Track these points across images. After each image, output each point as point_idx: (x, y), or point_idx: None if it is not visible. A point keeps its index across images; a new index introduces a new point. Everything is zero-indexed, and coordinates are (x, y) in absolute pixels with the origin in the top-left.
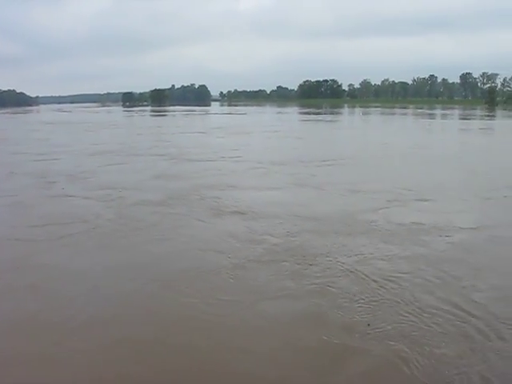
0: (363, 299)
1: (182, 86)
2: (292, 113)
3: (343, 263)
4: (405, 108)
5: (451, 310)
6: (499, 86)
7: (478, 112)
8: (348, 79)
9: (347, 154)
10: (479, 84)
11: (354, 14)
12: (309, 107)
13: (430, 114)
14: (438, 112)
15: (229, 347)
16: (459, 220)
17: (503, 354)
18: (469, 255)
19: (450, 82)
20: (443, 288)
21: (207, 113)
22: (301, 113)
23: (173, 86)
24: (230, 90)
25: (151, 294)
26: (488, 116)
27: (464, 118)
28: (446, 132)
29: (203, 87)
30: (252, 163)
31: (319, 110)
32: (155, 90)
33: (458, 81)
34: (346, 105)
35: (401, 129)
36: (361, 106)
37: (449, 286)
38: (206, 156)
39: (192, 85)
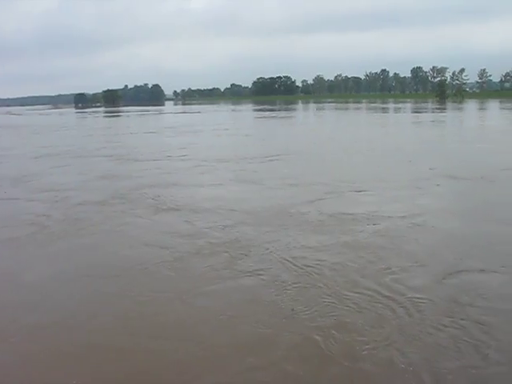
0: (290, 286)
1: (135, 85)
2: (246, 110)
3: (275, 253)
4: (358, 103)
5: (368, 291)
6: (449, 79)
7: (430, 105)
8: (302, 75)
9: (293, 149)
10: (430, 78)
11: (306, 10)
12: (263, 104)
13: (383, 108)
14: (391, 106)
15: (167, 336)
16: (389, 209)
17: (411, 330)
18: (390, 241)
19: (402, 76)
20: (363, 272)
21: (161, 112)
22: (255, 110)
23: (126, 86)
24: (183, 88)
25: (94, 291)
26: (439, 109)
27: (416, 111)
28: (395, 125)
29: (157, 87)
30: (197, 161)
31: (273, 107)
32: (108, 90)
33: (410, 75)
34: (300, 101)
35: (351, 123)
36: (315, 102)
37: (368, 269)
38: (152, 156)
39: (145, 84)
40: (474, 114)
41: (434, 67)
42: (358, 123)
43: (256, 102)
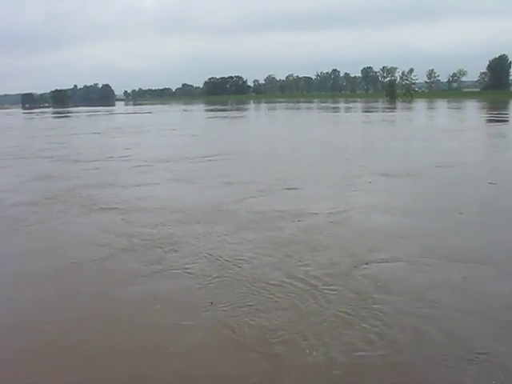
0: (213, 279)
1: (85, 85)
2: (197, 110)
3: (202, 248)
4: (309, 102)
5: (285, 283)
6: (398, 79)
7: (380, 104)
8: (253, 75)
9: (236, 149)
10: (380, 78)
11: (257, 10)
12: (214, 104)
13: (333, 108)
14: (342, 105)
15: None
16: (317, 206)
17: (317, 317)
18: (310, 237)
19: (352, 76)
20: (279, 265)
21: (111, 113)
22: (206, 110)
23: (75, 86)
24: (134, 88)
25: (26, 292)
26: (389, 108)
27: (366, 110)
28: (342, 125)
29: (107, 87)
30: (138, 162)
31: (224, 107)
32: (56, 90)
33: (360, 75)
34: (251, 101)
35: (300, 123)
36: (266, 102)
37: (284, 263)
38: (94, 156)
39: (95, 84)
40: (421, 114)
41: (383, 67)
42: (306, 123)
43: (207, 102)
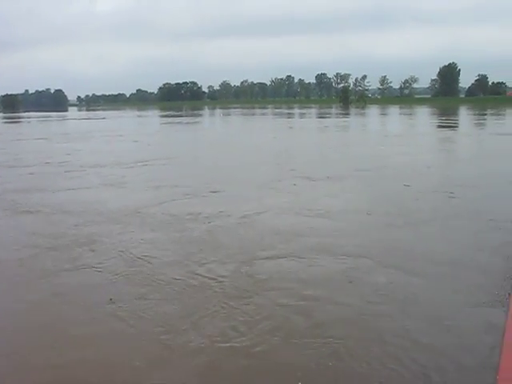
0: (119, 276)
1: (37, 90)
2: (150, 116)
3: (115, 247)
4: (264, 108)
5: (183, 277)
6: (352, 85)
7: (334, 110)
8: (208, 81)
9: (174, 154)
10: (333, 84)
11: (213, 16)
12: (169, 110)
13: (287, 114)
14: (296, 111)
15: None
16: (233, 208)
17: (212, 306)
18: (214, 237)
19: (307, 82)
20: (183, 262)
21: (64, 118)
22: (160, 116)
23: (26, 90)
24: (88, 94)
25: None
26: (342, 114)
27: (319, 116)
28: (288, 130)
29: (59, 92)
30: (74, 167)
31: (179, 113)
32: (6, 95)
33: (314, 81)
34: (206, 107)
35: (247, 129)
36: (221, 108)
37: (187, 260)
38: (31, 162)
39: (47, 89)
40: (372, 120)
41: (337, 74)
42: (254, 129)
43: (162, 108)
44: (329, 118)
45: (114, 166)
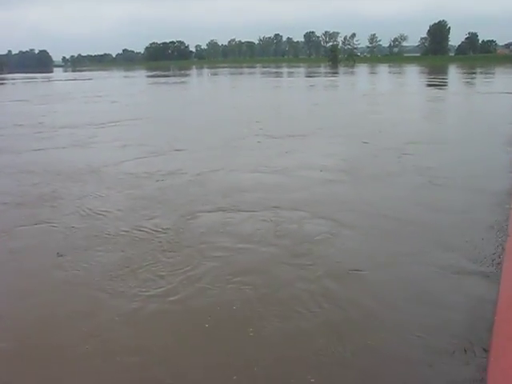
0: (74, 230)
1: (20, 51)
2: (137, 76)
3: (71, 204)
4: (252, 67)
5: (130, 231)
6: (340, 44)
7: (322, 69)
8: (195, 40)
9: (149, 114)
10: (322, 42)
11: None
12: (156, 70)
13: (275, 73)
14: (284, 70)
15: None
16: (189, 166)
17: (162, 254)
18: (164, 193)
19: (295, 40)
20: (130, 217)
21: (49, 80)
22: (147, 76)
23: (9, 51)
24: (73, 54)
25: None
26: (330, 73)
27: (308, 75)
28: (273, 89)
29: (44, 52)
30: (45, 128)
31: (166, 73)
32: None
33: (303, 40)
34: (194, 66)
35: (232, 88)
36: (208, 67)
37: (135, 214)
38: (3, 124)
39: (31, 50)
40: (359, 79)
41: (326, 32)
42: (236, 88)
43: (149, 68)
44: (316, 77)
45: (86, 126)
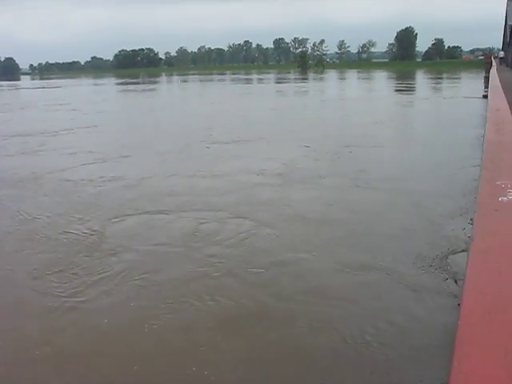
0: (6, 234)
1: None
2: (106, 84)
3: (9, 210)
4: (222, 74)
5: (59, 234)
6: (310, 50)
7: (292, 75)
8: (165, 47)
9: (104, 122)
10: (291, 49)
11: None
12: (125, 77)
13: (245, 79)
14: (253, 77)
15: None
16: (128, 173)
17: (81, 260)
18: (98, 198)
19: (265, 47)
20: (62, 221)
21: (16, 88)
22: (115, 84)
23: None
24: (41, 62)
25: None
26: (298, 79)
27: (277, 81)
28: (235, 96)
29: (10, 60)
30: None
31: (135, 80)
32: None
33: (272, 46)
34: (163, 73)
35: (194, 95)
36: (178, 74)
37: (67, 218)
38: None
39: None
40: (323, 84)
41: (295, 38)
42: (204, 95)
43: (118, 76)
44: (284, 83)
45: (39, 134)
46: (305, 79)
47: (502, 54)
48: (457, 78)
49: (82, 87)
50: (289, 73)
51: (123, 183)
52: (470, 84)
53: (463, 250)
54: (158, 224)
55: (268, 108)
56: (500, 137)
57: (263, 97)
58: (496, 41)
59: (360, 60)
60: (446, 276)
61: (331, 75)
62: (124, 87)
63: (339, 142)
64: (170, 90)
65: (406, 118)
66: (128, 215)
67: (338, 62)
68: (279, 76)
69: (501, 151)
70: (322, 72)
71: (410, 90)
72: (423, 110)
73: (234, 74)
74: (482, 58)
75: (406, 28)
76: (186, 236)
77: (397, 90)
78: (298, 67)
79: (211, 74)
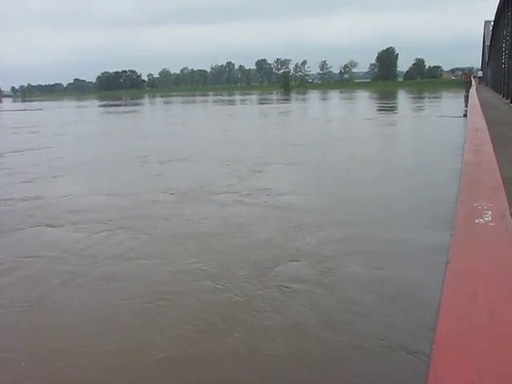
0: None
1: None
2: (87, 106)
3: None
4: (204, 95)
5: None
6: (292, 71)
7: (274, 96)
8: (147, 69)
9: (61, 143)
10: (274, 70)
11: (152, 3)
12: (108, 99)
13: (228, 100)
14: (236, 98)
15: None
16: (54, 191)
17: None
18: (24, 213)
19: (247, 68)
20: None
21: None
22: (98, 106)
23: None
24: (23, 84)
25: None
26: (280, 100)
27: (260, 102)
28: (210, 118)
29: None
30: None
31: (118, 102)
32: None
33: (255, 67)
34: (146, 95)
35: (167, 117)
36: (161, 96)
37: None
38: None
39: None
40: (302, 105)
41: (277, 59)
42: (178, 116)
43: (100, 98)
44: (265, 104)
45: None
46: (286, 100)
47: (480, 73)
48: (437, 98)
49: (62, 109)
50: (271, 93)
51: (37, 203)
52: (450, 103)
53: None
54: (51, 238)
55: (222, 128)
56: (478, 158)
57: (229, 118)
58: (476, 60)
59: (342, 80)
60: None
61: (313, 96)
62: (104, 109)
63: (260, 160)
64: (145, 112)
65: (355, 135)
66: (28, 227)
67: (320, 82)
68: (261, 97)
69: (479, 172)
70: (304, 93)
71: (391, 109)
72: (403, 129)
73: (216, 95)
74: (463, 77)
75: (387, 48)
76: (75, 248)
77: (381, 109)
78: (281, 88)
79: (194, 95)
